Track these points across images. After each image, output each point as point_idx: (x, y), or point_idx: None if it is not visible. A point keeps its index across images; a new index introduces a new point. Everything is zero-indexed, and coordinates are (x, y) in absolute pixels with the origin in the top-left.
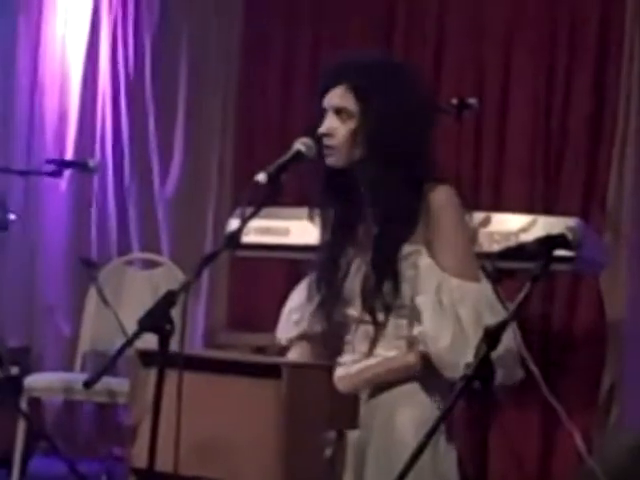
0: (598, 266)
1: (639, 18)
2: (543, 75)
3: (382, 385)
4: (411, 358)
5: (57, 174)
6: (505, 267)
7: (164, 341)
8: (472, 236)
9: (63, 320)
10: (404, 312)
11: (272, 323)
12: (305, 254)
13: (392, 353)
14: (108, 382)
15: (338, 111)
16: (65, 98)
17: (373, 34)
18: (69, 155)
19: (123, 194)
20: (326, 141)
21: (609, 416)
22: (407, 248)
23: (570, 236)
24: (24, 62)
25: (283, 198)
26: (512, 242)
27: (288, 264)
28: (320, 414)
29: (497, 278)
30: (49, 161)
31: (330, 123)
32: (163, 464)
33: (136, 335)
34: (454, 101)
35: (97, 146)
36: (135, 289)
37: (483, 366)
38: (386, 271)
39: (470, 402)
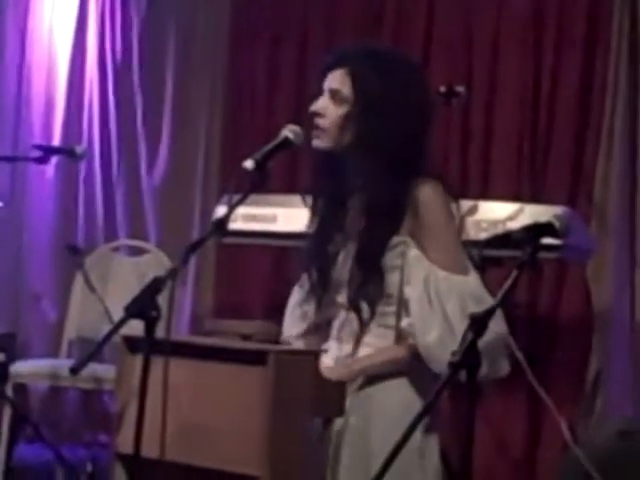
0: (585, 254)
1: (627, 13)
2: (531, 64)
3: (371, 378)
4: (401, 351)
5: (44, 160)
6: (492, 255)
7: (150, 328)
8: (459, 229)
9: (49, 306)
10: (391, 300)
11: (258, 310)
12: (292, 241)
13: (378, 340)
14: (94, 368)
15: (333, 93)
16: (52, 84)
17: (362, 22)
18: (56, 141)
19: (110, 180)
20: (315, 120)
21: (595, 404)
22: (395, 239)
23: (557, 224)
24: (11, 48)
25: (270, 185)
26: (499, 230)
27: (275, 251)
28: (306, 401)
29: (483, 266)
30: (36, 147)
31: (323, 103)
32: (149, 450)
33: (122, 322)
34: (442, 89)
35: (84, 133)
36: (122, 276)
37: (469, 353)
38: (371, 269)
39: (455, 391)
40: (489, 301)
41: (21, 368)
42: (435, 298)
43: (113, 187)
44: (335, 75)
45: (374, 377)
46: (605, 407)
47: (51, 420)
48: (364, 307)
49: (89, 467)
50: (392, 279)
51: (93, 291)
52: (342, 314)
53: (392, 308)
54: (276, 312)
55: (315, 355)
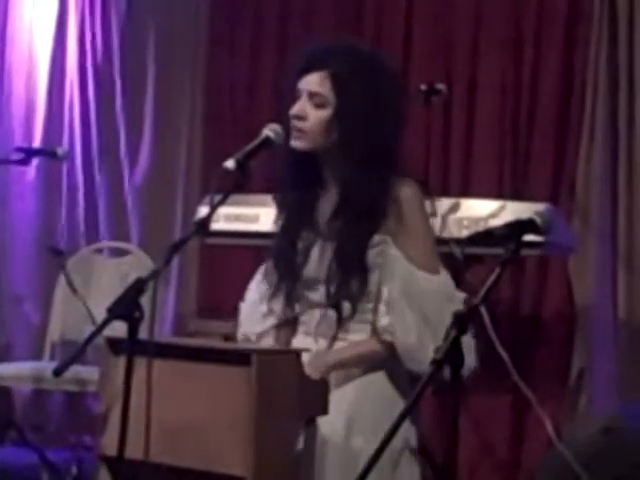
0: (567, 251)
1: (606, 11)
2: (511, 61)
3: (349, 374)
4: (377, 344)
5: (25, 162)
6: (474, 252)
7: (133, 329)
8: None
9: (32, 309)
10: (371, 297)
11: None
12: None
13: (355, 336)
14: (77, 370)
15: (313, 96)
16: (33, 86)
17: (342, 22)
18: (37, 143)
19: (92, 182)
20: (297, 123)
21: (578, 401)
22: (375, 238)
23: (539, 221)
24: None
25: (252, 185)
26: (481, 228)
27: (258, 251)
28: (290, 400)
29: (465, 263)
30: (17, 149)
31: (303, 106)
32: (133, 452)
33: (105, 323)
34: (423, 87)
35: (65, 134)
36: (104, 277)
37: (452, 351)
38: (354, 266)
39: (438, 388)
40: (460, 299)
41: (4, 371)
42: (415, 298)
43: (95, 188)
44: (314, 77)
45: (352, 373)
46: (589, 403)
47: (35, 423)
48: (345, 305)
49: (74, 469)
50: (372, 277)
51: (75, 293)
52: (317, 312)
53: (370, 305)
54: None
55: (298, 355)
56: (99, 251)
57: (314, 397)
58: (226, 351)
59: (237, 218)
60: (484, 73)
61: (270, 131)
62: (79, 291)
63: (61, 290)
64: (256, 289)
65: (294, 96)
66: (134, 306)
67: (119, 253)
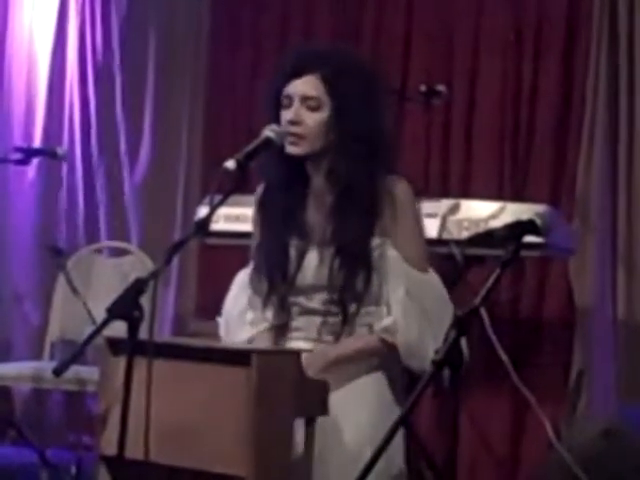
0: (566, 252)
1: (607, 9)
2: (512, 63)
3: (348, 373)
4: (374, 340)
5: (25, 162)
6: (474, 253)
7: (133, 329)
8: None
9: (32, 309)
10: (371, 301)
11: None
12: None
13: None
14: (77, 370)
15: (306, 100)
16: (33, 85)
17: (342, 22)
18: (37, 143)
19: (92, 182)
20: (293, 129)
21: (578, 402)
22: (376, 240)
23: (539, 222)
24: None
25: (252, 185)
26: (481, 229)
27: None
28: (289, 400)
29: (466, 265)
30: (17, 149)
31: (297, 111)
32: (133, 452)
33: (105, 323)
34: (423, 88)
35: (65, 134)
36: (104, 277)
37: (452, 352)
38: (358, 262)
39: (437, 391)
40: (447, 299)
41: (4, 371)
42: (416, 298)
43: (94, 188)
44: (305, 81)
45: (350, 373)
46: (589, 405)
47: (35, 422)
48: (351, 305)
49: (73, 469)
50: (373, 279)
51: (75, 293)
52: (316, 318)
53: (371, 308)
54: None
55: (297, 355)
56: (99, 251)
57: (314, 397)
58: (226, 351)
59: (237, 219)
60: (484, 74)
61: (270, 132)
62: (79, 291)
63: (61, 290)
64: (235, 301)
65: (279, 102)
66: (134, 306)
67: (119, 253)
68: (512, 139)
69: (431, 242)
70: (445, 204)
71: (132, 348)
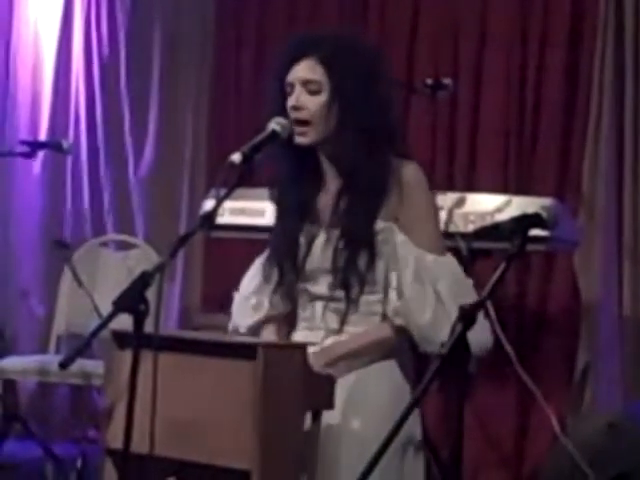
0: (572, 246)
1: (612, 5)
2: (517, 56)
3: (358, 363)
4: (386, 331)
5: (30, 155)
6: (480, 247)
7: (139, 322)
8: (438, 211)
9: (37, 302)
10: (377, 288)
11: None
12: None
13: (362, 329)
14: (83, 364)
15: (306, 84)
16: (39, 79)
17: (347, 18)
18: (42, 136)
19: (97, 175)
20: (297, 115)
21: (583, 396)
22: (380, 224)
23: (545, 215)
24: None
25: (258, 178)
26: (487, 222)
27: (263, 245)
28: (296, 394)
29: (472, 258)
30: (22, 142)
31: (298, 96)
32: (139, 445)
33: (111, 316)
34: (429, 81)
35: (71, 127)
36: (110, 271)
37: (459, 345)
38: (361, 244)
39: (443, 383)
40: (469, 283)
41: (10, 364)
42: (427, 280)
43: (100, 182)
44: (304, 66)
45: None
46: (594, 399)
47: (40, 416)
48: (353, 284)
49: (79, 463)
50: (378, 265)
51: (81, 286)
52: (319, 304)
53: (378, 296)
54: None
55: (304, 348)
56: (105, 244)
57: (320, 391)
58: (232, 345)
59: (242, 212)
60: (490, 68)
61: (276, 124)
62: (85, 284)
63: (67, 283)
64: (248, 283)
65: (282, 90)
66: (140, 299)
67: (125, 246)
68: (518, 133)
69: None
70: (451, 197)
71: (138, 341)
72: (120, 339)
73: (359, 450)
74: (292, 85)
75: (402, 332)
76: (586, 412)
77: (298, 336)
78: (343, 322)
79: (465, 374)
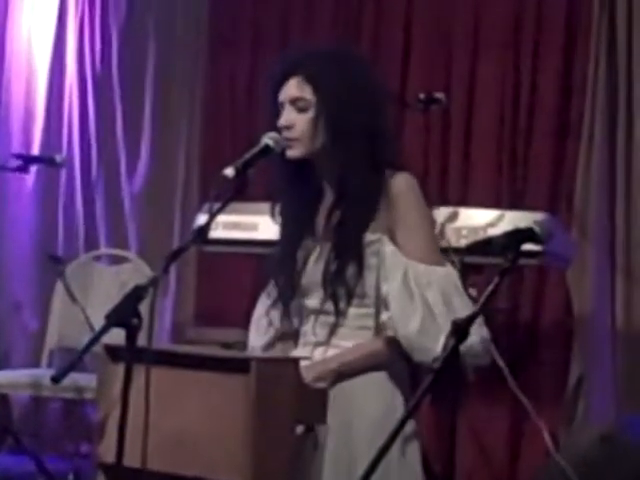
0: (565, 261)
1: (606, 18)
2: (510, 71)
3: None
4: (378, 344)
5: (23, 169)
6: (473, 262)
7: (132, 336)
8: (434, 222)
9: (30, 316)
10: (367, 301)
11: (240, 318)
12: (274, 249)
13: (351, 343)
14: (75, 378)
15: (294, 102)
16: (32, 92)
17: (341, 28)
18: (36, 150)
19: (90, 189)
20: (287, 134)
21: (576, 409)
22: (369, 236)
23: (538, 230)
24: None
25: (251, 193)
26: (480, 237)
27: (256, 259)
28: (289, 408)
29: (464, 273)
30: (15, 156)
31: (288, 115)
32: (131, 459)
33: (104, 330)
34: (421, 96)
35: (64, 141)
36: (102, 285)
37: (451, 359)
38: (349, 255)
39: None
40: (465, 293)
41: (2, 378)
42: (415, 289)
43: (93, 196)
44: (291, 84)
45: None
46: (587, 412)
47: (33, 430)
48: (341, 296)
49: (71, 477)
50: (368, 278)
51: (74, 300)
52: (314, 318)
53: (369, 310)
54: None
55: (296, 362)
56: (97, 258)
57: (312, 405)
58: (225, 359)
59: (236, 226)
60: (483, 81)
61: (269, 139)
62: (77, 298)
63: (59, 297)
64: (263, 302)
65: (278, 111)
66: (132, 313)
67: (117, 261)
68: (510, 147)
69: None
70: (443, 212)
71: (130, 355)
72: (113, 353)
73: (347, 462)
74: (282, 104)
75: (393, 343)
76: (579, 425)
77: (296, 352)
78: (331, 334)
79: (459, 387)
